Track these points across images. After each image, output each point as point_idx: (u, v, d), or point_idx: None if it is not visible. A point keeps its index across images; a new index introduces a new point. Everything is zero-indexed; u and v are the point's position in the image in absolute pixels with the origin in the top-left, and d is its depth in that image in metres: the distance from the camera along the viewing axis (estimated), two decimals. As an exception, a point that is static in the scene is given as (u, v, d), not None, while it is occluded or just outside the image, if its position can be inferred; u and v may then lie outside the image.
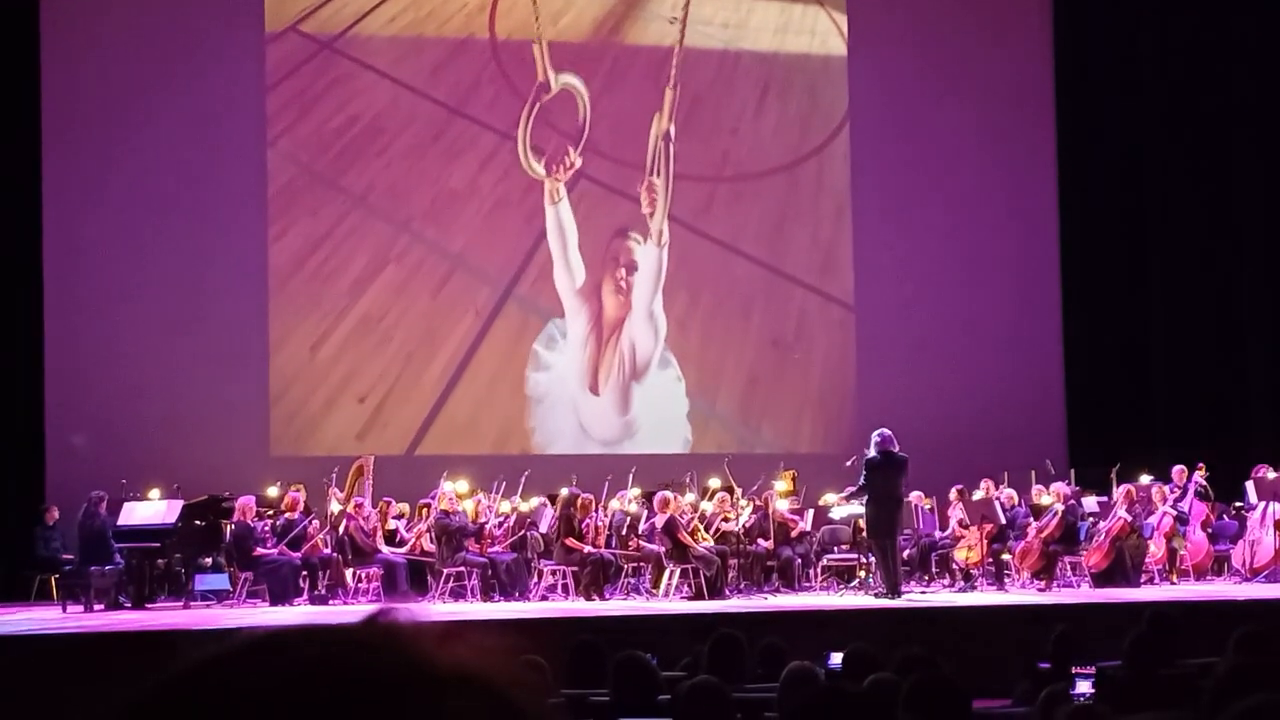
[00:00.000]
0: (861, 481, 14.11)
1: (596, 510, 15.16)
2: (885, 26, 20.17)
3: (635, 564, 15.09)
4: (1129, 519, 15.38)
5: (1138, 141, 20.68)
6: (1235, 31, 20.45)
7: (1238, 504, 16.65)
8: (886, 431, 14.16)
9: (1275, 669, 4.54)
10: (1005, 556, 15.51)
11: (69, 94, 17.42)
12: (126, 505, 14.54)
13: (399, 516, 15.76)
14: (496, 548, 14.98)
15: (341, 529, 14.67)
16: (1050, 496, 15.91)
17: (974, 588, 15.23)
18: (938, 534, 16.28)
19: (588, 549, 14.65)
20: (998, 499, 15.75)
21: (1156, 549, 15.77)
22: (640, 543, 14.93)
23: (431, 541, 14.91)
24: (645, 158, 18.74)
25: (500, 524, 15.23)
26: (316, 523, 14.79)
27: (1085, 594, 14.81)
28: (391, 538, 15.28)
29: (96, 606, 13.80)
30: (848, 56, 20.11)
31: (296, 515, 14.70)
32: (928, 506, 16.43)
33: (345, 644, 0.98)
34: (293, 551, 14.39)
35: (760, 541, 15.50)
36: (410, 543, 15.19)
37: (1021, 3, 20.61)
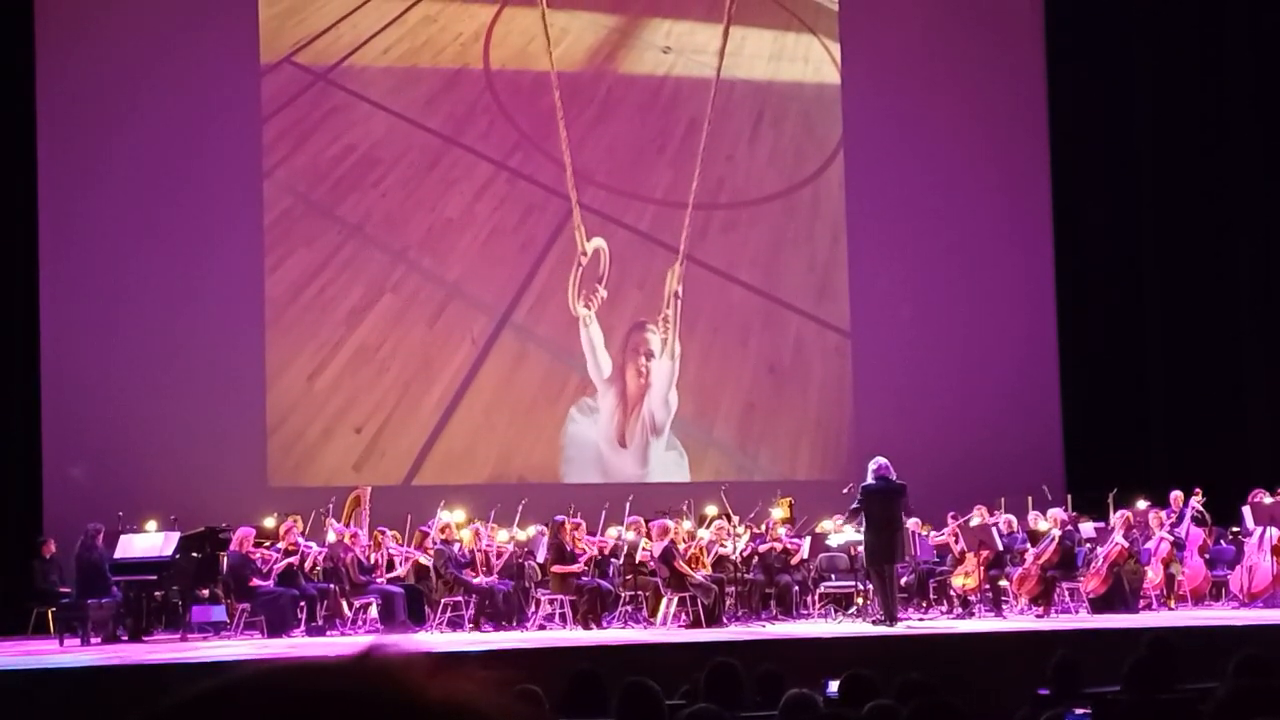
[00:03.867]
0: (855, 505, 14.13)
1: (591, 535, 15.21)
2: (878, 54, 20.24)
3: (633, 592, 15.08)
4: (1126, 544, 15.38)
5: (1134, 163, 20.74)
6: (1228, 45, 20.53)
7: (1235, 529, 16.65)
8: (883, 460, 14.18)
9: (1273, 693, 4.54)
10: (1003, 583, 15.51)
11: (65, 124, 17.44)
12: (123, 538, 14.51)
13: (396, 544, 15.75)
14: (492, 577, 14.96)
15: (338, 560, 14.67)
16: (1047, 522, 15.91)
17: (972, 614, 15.21)
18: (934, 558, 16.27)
19: (579, 568, 14.68)
20: (995, 525, 15.75)
21: (1154, 574, 15.76)
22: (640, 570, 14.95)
23: (431, 572, 14.91)
24: (661, 299, 19.28)
25: (498, 553, 15.22)
26: (312, 546, 14.78)
27: (1083, 620, 14.80)
28: (389, 567, 15.26)
29: (94, 639, 13.75)
30: (841, 84, 20.18)
31: (300, 544, 14.69)
32: (925, 533, 16.42)
33: (340, 678, 0.99)
34: (287, 585, 14.36)
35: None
36: (402, 570, 15.17)
37: (1013, 27, 20.68)
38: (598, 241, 19.17)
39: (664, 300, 19.35)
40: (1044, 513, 16.35)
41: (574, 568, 14.73)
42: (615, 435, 19.02)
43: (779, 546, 15.74)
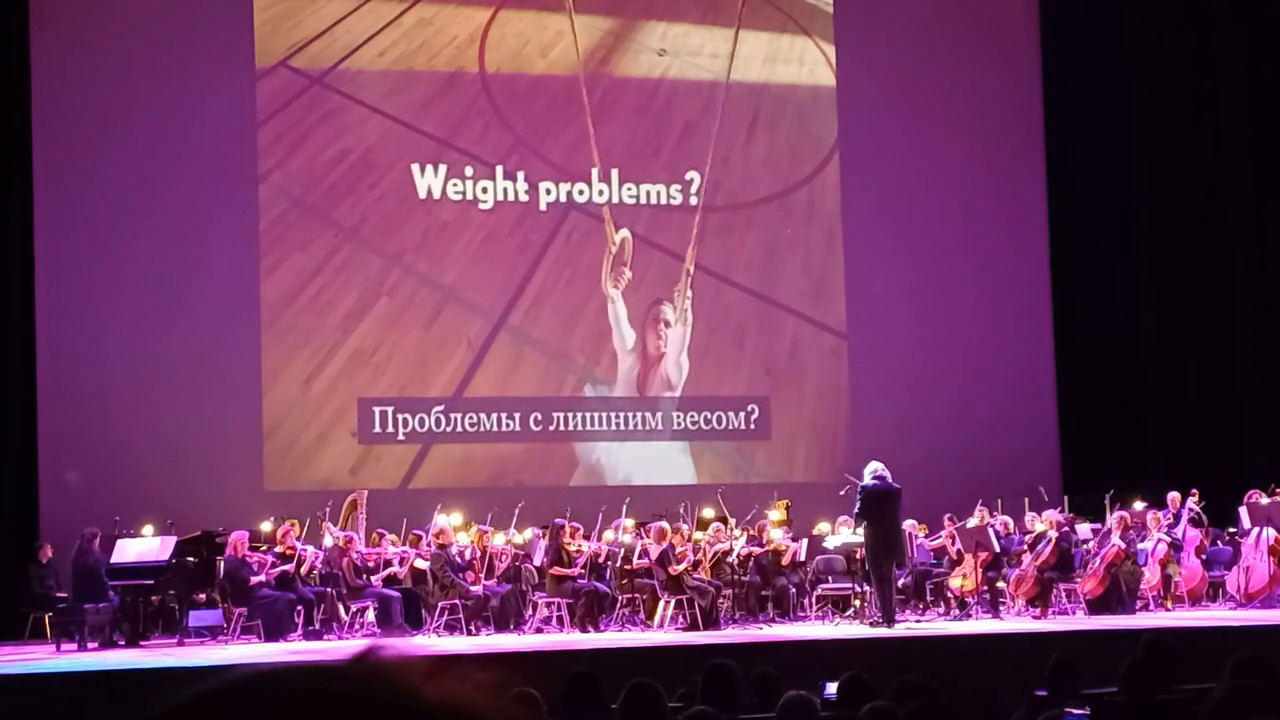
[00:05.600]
0: (857, 509, 14.12)
1: (589, 538, 15.21)
2: (873, 56, 20.25)
3: (630, 595, 15.08)
4: (1123, 545, 15.38)
5: (1129, 166, 20.75)
6: (1221, 42, 20.54)
7: (1231, 530, 16.66)
8: (879, 464, 14.17)
9: (1270, 693, 4.54)
10: (1000, 584, 15.51)
11: (60, 129, 17.44)
12: (120, 542, 14.50)
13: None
14: (491, 580, 14.95)
15: (335, 563, 14.66)
16: (1044, 524, 15.91)
17: (969, 616, 15.21)
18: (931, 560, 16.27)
19: (576, 571, 14.68)
20: (992, 526, 15.75)
21: (1151, 575, 15.77)
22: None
23: (428, 575, 14.90)
24: (679, 271, 19.54)
25: (500, 555, 15.21)
26: (309, 549, 14.77)
27: (1081, 621, 14.80)
28: (389, 566, 15.25)
29: (90, 644, 13.74)
30: (836, 86, 20.19)
31: (297, 548, 14.68)
32: (921, 534, 16.43)
33: (335, 680, 0.98)
34: (284, 590, 14.34)
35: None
36: (400, 569, 15.16)
37: (1008, 29, 20.70)
38: (624, 232, 19.31)
39: (681, 274, 19.39)
40: (1040, 514, 16.35)
41: (570, 570, 14.74)
42: (636, 386, 19.19)
43: (774, 548, 15.73)
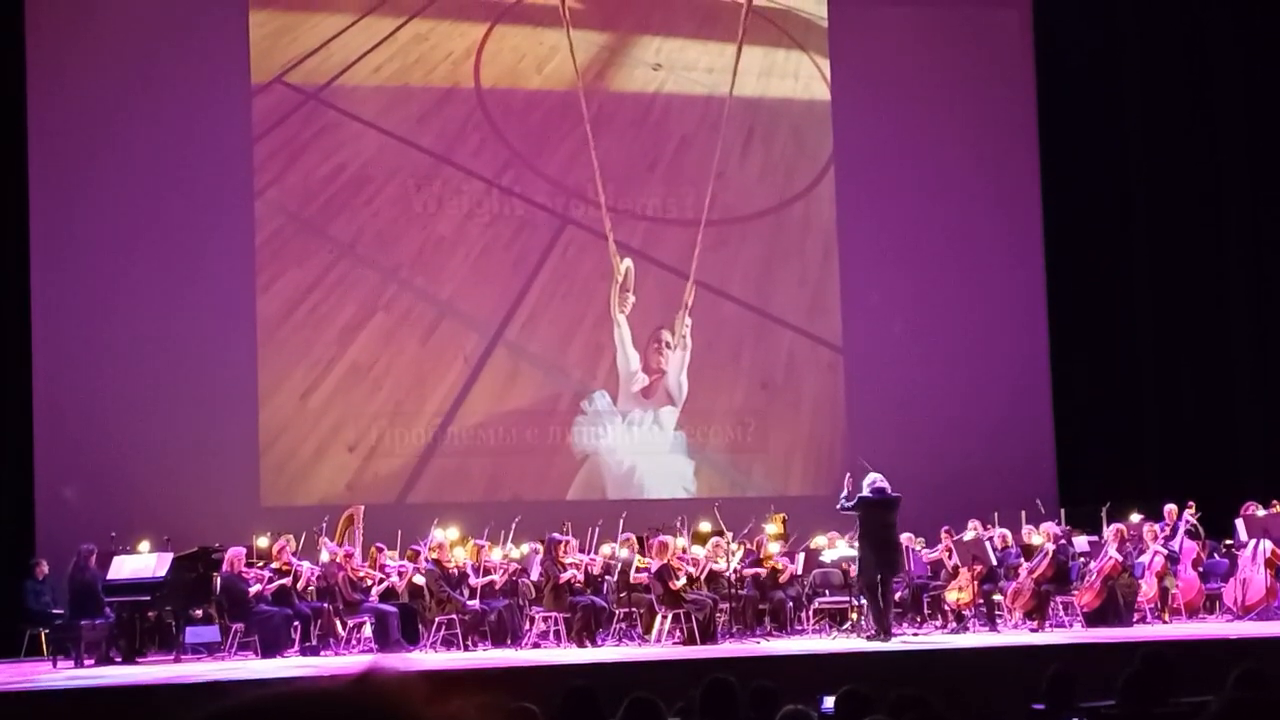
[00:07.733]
0: (851, 502, 14.09)
1: (584, 551, 15.22)
2: (867, 70, 20.27)
3: (627, 609, 15.07)
4: (1120, 558, 15.39)
5: (1125, 176, 20.78)
6: (1216, 56, 20.57)
7: (1228, 542, 16.67)
8: (879, 477, 14.17)
9: (1268, 706, 4.54)
10: (997, 597, 15.50)
11: (56, 145, 17.44)
12: (116, 558, 14.47)
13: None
14: (493, 595, 14.94)
15: (331, 579, 14.64)
16: (1040, 536, 15.91)
17: (966, 629, 15.20)
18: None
19: (570, 575, 14.65)
20: (989, 539, 15.75)
21: (1148, 588, 15.76)
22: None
23: (424, 590, 14.88)
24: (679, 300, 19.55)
25: (499, 569, 15.19)
26: (305, 565, 14.75)
27: (1078, 634, 14.80)
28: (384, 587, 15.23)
29: (87, 661, 13.72)
30: (831, 101, 20.21)
31: (293, 564, 14.66)
32: (918, 548, 16.42)
33: (339, 705, 0.98)
34: (281, 605, 14.32)
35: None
36: (400, 583, 15.15)
37: (1003, 42, 20.73)
38: (627, 263, 19.33)
39: (680, 303, 19.40)
40: (1037, 527, 16.35)
41: (565, 575, 14.70)
42: (635, 402, 19.23)
43: (771, 566, 15.72)
